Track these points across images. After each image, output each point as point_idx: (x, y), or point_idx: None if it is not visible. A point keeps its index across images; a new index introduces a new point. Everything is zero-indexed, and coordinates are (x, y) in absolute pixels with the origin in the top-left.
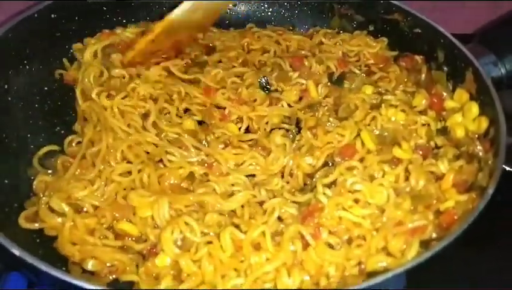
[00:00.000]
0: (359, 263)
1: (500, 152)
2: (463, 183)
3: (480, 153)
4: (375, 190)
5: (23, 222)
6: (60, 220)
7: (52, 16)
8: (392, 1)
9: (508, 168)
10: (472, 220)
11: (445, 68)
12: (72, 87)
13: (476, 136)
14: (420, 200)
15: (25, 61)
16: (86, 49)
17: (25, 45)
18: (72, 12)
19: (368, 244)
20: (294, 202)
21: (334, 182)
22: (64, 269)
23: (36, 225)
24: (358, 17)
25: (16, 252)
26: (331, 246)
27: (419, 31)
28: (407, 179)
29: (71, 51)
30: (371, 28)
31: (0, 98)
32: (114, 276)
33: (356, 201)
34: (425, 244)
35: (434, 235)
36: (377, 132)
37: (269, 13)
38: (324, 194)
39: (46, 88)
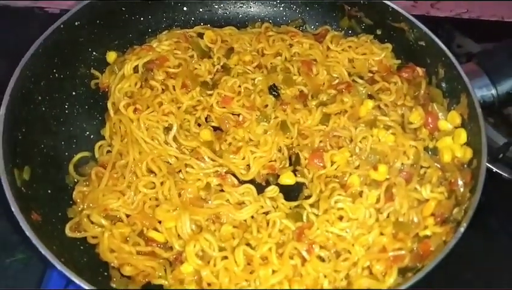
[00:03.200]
0: (347, 277)
1: (477, 190)
2: (440, 215)
3: (461, 189)
4: (356, 207)
5: (69, 232)
6: (99, 230)
7: (76, 23)
8: (400, 10)
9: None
10: (443, 256)
11: (444, 85)
12: (97, 91)
13: (460, 164)
14: (401, 227)
15: (54, 70)
16: (126, 63)
17: (54, 55)
18: (93, 17)
19: (353, 258)
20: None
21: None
22: (106, 273)
23: (80, 234)
24: (367, 20)
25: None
26: (322, 259)
27: (424, 44)
28: (391, 199)
29: (94, 54)
30: (379, 32)
31: (35, 108)
32: (147, 279)
33: (340, 218)
34: (402, 270)
35: (410, 264)
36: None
37: (281, 8)
38: (313, 213)
39: (73, 93)
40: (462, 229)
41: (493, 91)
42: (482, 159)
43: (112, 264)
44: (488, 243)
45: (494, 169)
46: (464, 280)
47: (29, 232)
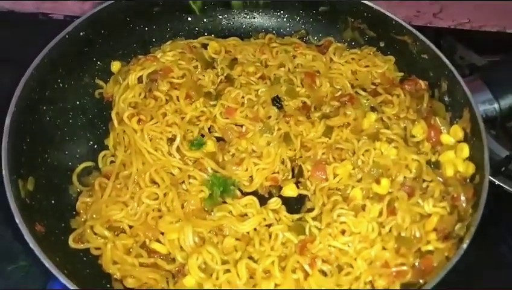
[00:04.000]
0: None
1: (479, 207)
2: (442, 230)
3: (463, 204)
4: (358, 221)
5: (72, 243)
6: (102, 241)
7: (81, 34)
8: (403, 23)
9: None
10: (446, 272)
11: (447, 98)
12: (101, 100)
13: (463, 179)
14: (403, 242)
15: (59, 80)
16: (131, 74)
17: (59, 65)
18: (98, 28)
19: (355, 273)
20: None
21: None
22: (108, 285)
23: (83, 246)
24: (370, 33)
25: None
26: (324, 273)
27: (426, 57)
28: (393, 213)
29: (98, 63)
30: (382, 44)
31: (40, 118)
32: None
33: (343, 232)
34: (404, 285)
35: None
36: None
37: (285, 19)
38: (315, 227)
39: (78, 102)
40: (464, 246)
41: (496, 106)
42: (485, 175)
43: (115, 276)
44: (490, 256)
45: (497, 182)
46: None
47: (33, 244)
